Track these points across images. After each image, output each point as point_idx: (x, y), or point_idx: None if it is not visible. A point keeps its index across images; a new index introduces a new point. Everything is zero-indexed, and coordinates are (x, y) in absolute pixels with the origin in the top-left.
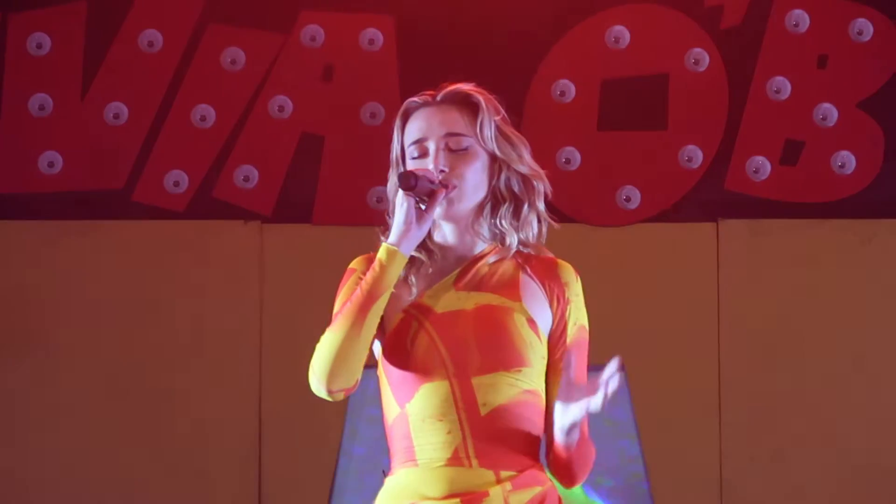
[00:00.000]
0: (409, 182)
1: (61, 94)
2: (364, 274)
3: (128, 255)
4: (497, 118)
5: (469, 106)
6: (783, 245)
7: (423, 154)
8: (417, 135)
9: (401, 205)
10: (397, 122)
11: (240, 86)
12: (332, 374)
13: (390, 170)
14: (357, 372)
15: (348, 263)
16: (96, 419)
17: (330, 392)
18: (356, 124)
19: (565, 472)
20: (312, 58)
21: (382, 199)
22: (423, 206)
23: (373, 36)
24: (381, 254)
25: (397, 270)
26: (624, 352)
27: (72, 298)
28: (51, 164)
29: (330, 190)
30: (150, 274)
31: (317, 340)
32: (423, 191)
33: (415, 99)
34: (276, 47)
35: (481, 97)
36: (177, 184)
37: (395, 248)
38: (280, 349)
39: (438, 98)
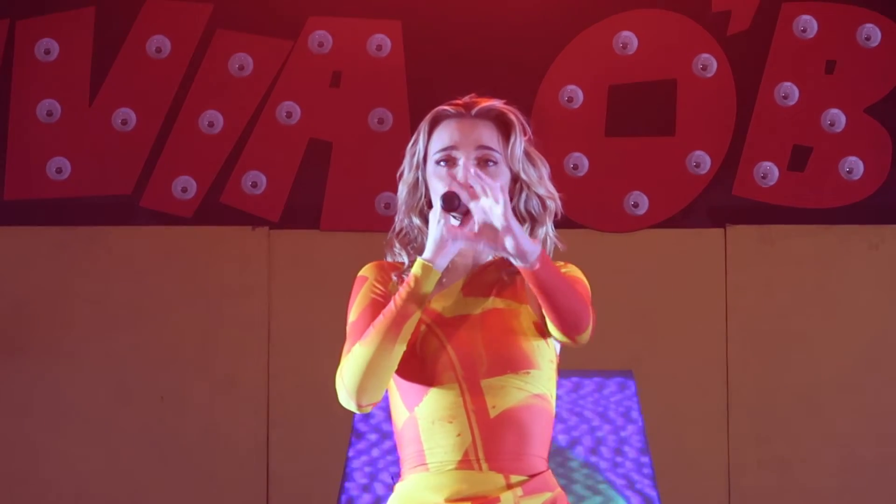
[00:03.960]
0: (454, 203)
1: (69, 100)
2: (377, 282)
3: (136, 260)
4: (525, 138)
5: (502, 124)
6: (791, 250)
7: (451, 163)
8: (448, 143)
9: (437, 221)
10: (424, 127)
11: (248, 92)
12: (363, 389)
13: (404, 171)
14: (386, 385)
15: (356, 269)
16: (105, 423)
17: (360, 406)
18: (364, 130)
19: (558, 307)
20: (320, 64)
21: (390, 206)
22: (457, 222)
23: (380, 42)
24: (417, 269)
25: (432, 285)
26: (633, 357)
27: (80, 304)
28: (59, 170)
29: (338, 196)
30: (158, 279)
31: (325, 345)
32: (461, 208)
33: (447, 108)
34: (283, 53)
35: (514, 117)
36: (185, 190)
37: (431, 263)
38: (288, 354)
39: (473, 112)
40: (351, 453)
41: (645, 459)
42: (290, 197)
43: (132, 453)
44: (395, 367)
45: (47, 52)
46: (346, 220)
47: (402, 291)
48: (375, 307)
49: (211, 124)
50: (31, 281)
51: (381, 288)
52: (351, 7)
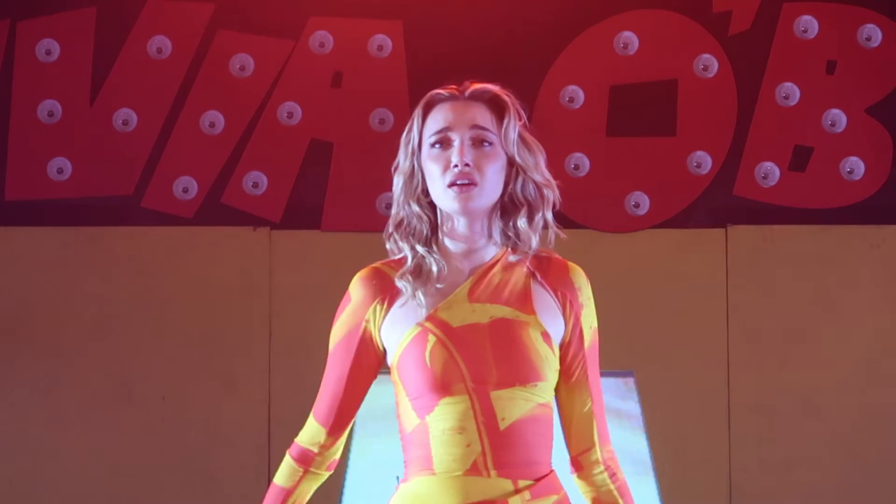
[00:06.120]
0: None
1: (70, 100)
2: (361, 308)
3: (137, 261)
4: (520, 123)
5: (496, 106)
6: (792, 251)
7: (445, 145)
8: (442, 124)
9: None
10: (418, 112)
11: (249, 92)
12: None
13: (400, 161)
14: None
15: (357, 269)
16: (105, 424)
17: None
18: (365, 130)
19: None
20: (321, 64)
21: (392, 206)
22: None
23: (381, 42)
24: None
25: None
26: (633, 358)
27: (81, 304)
28: (60, 171)
29: (339, 196)
30: (159, 280)
31: (326, 346)
32: None
33: (441, 92)
34: (284, 53)
35: (508, 99)
36: (186, 190)
37: None
38: (289, 355)
39: (466, 94)
40: (352, 452)
41: (646, 460)
42: (291, 197)
43: (134, 453)
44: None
45: (48, 52)
46: (348, 221)
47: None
48: (349, 339)
49: (212, 125)
50: (32, 281)
51: (362, 316)
52: (352, 7)
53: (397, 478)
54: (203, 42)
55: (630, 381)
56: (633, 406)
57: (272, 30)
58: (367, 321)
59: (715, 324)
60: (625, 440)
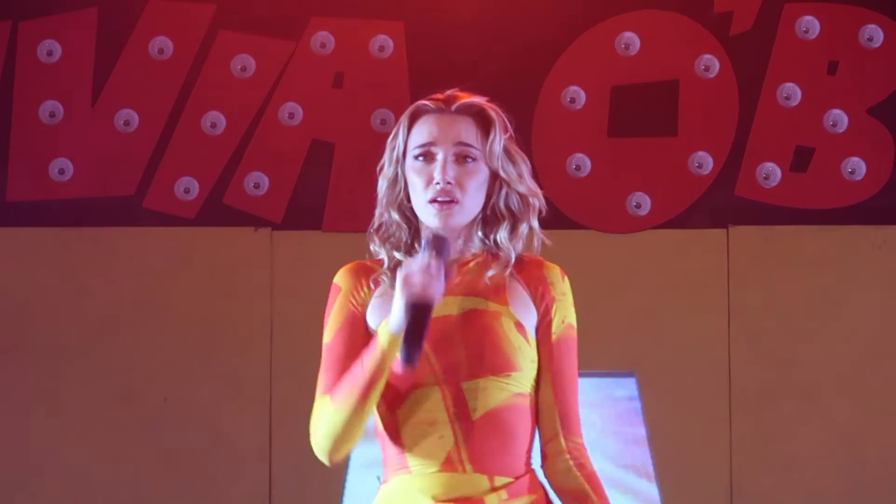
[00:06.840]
0: (441, 249)
1: (72, 101)
2: (353, 292)
3: (138, 262)
4: (505, 136)
5: (482, 120)
6: (793, 251)
7: (429, 159)
8: (427, 139)
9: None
10: (403, 121)
11: (250, 93)
12: (336, 449)
13: (384, 165)
14: (359, 438)
15: None
16: (106, 425)
17: (333, 462)
18: (366, 131)
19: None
20: (323, 64)
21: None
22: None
23: (383, 42)
24: (384, 341)
25: (397, 353)
26: (634, 358)
27: (82, 305)
28: (61, 172)
29: (340, 197)
30: (160, 281)
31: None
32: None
33: (427, 103)
34: (286, 54)
35: (494, 113)
36: (187, 191)
37: (398, 337)
38: (290, 356)
39: (453, 108)
40: (353, 454)
41: (647, 461)
42: (293, 198)
43: (135, 454)
44: (367, 419)
45: (49, 53)
46: (349, 221)
47: (370, 360)
48: (351, 325)
49: (213, 125)
50: (33, 282)
51: (355, 300)
52: (353, 8)
53: (378, 478)
54: (204, 42)
55: (631, 381)
56: (634, 407)
57: (273, 30)
58: (362, 305)
59: (716, 324)
60: (626, 441)
